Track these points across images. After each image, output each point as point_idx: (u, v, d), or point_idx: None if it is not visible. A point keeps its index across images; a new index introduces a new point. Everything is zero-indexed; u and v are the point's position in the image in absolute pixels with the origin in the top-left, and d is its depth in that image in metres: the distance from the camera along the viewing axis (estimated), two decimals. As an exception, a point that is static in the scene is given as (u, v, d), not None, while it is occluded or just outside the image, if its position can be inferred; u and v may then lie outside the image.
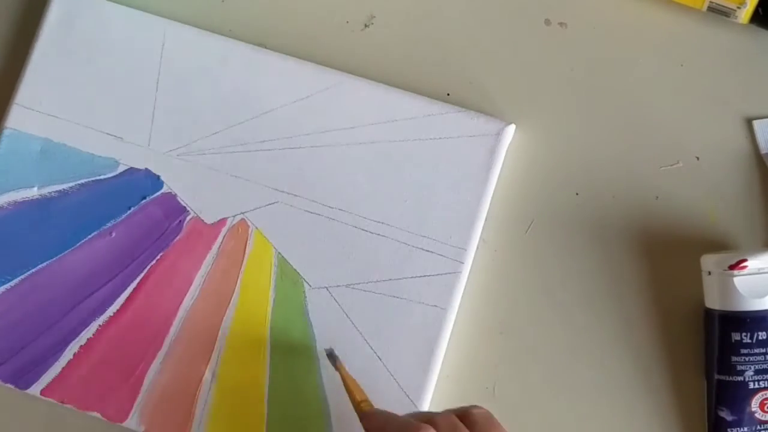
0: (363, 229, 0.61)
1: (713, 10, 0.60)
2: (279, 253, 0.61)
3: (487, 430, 0.50)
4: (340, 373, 0.58)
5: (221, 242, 0.61)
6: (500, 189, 0.61)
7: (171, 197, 0.62)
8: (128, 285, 0.61)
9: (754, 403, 0.57)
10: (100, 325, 0.61)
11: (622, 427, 0.60)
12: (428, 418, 0.50)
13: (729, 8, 0.59)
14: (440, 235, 0.60)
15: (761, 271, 0.57)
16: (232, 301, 0.61)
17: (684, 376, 0.59)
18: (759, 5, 0.59)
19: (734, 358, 0.57)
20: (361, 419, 0.54)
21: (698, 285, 0.59)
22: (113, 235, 0.62)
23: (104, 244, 0.62)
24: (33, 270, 0.62)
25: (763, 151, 0.60)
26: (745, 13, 0.59)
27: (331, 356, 0.59)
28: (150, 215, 0.62)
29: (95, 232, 0.62)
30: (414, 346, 0.59)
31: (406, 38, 0.63)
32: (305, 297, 0.60)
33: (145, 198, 0.62)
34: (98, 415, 0.60)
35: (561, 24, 0.63)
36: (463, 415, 0.51)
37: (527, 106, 0.62)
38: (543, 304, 0.61)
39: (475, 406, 0.52)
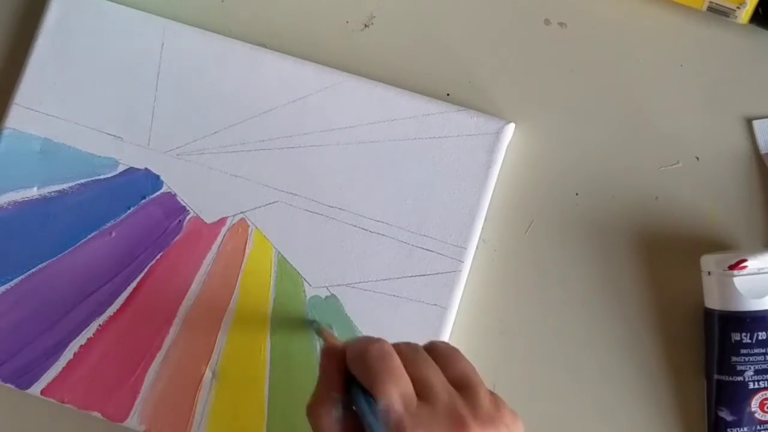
0: (363, 228, 0.61)
1: (713, 10, 0.60)
2: (279, 252, 0.61)
3: (447, 354, 0.50)
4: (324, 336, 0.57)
5: (221, 242, 0.61)
6: (500, 188, 0.61)
7: (171, 197, 0.62)
8: (128, 285, 0.61)
9: (754, 403, 0.57)
10: (100, 325, 0.61)
11: (622, 427, 0.60)
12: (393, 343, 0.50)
13: (729, 8, 0.59)
14: (440, 234, 0.60)
15: (761, 271, 0.56)
16: (232, 301, 0.61)
17: (684, 376, 0.59)
18: (759, 5, 0.59)
19: (734, 358, 0.57)
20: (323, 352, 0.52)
21: (698, 285, 0.59)
22: (113, 235, 0.62)
23: (104, 244, 0.62)
24: (33, 270, 0.62)
25: (763, 151, 0.60)
26: (745, 13, 0.59)
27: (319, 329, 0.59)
28: (150, 215, 0.62)
29: (95, 232, 0.62)
30: (414, 346, 0.59)
31: (406, 38, 0.63)
32: (305, 296, 0.60)
33: (144, 198, 0.62)
34: (98, 414, 0.60)
35: (561, 24, 0.63)
36: (428, 344, 0.52)
37: (527, 105, 0.62)
38: (543, 304, 0.61)
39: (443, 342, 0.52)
